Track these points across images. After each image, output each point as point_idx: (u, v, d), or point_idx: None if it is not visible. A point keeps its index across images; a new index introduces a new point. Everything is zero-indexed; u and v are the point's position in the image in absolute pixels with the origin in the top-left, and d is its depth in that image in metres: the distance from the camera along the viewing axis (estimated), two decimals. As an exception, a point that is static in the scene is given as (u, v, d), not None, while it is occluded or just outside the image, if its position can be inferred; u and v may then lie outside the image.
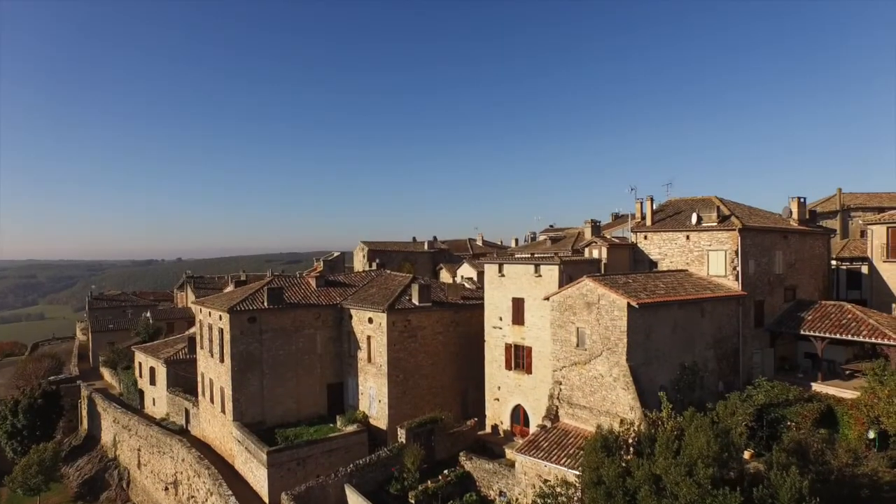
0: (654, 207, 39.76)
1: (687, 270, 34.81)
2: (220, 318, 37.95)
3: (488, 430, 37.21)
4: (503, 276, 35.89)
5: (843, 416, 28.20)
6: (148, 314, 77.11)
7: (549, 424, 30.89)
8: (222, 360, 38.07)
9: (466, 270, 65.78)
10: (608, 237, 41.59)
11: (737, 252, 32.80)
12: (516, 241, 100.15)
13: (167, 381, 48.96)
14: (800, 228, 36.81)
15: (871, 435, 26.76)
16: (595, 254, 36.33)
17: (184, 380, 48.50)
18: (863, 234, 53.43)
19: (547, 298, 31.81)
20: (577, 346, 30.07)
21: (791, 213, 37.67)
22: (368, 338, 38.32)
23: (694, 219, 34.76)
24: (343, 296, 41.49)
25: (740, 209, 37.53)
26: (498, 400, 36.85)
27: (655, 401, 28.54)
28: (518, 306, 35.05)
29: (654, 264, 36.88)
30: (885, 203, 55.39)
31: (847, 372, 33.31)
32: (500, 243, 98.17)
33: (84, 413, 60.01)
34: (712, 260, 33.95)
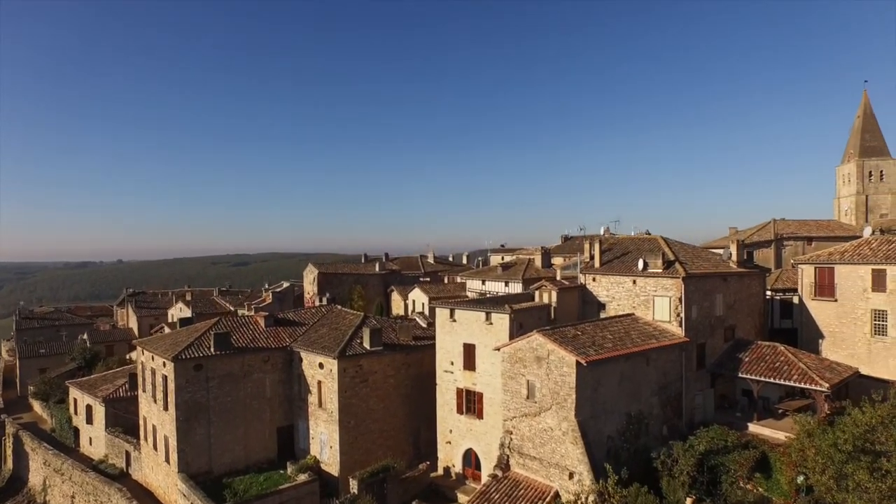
0: (602, 247, 40.75)
1: (634, 315, 35.82)
2: (164, 364, 36.61)
3: (440, 472, 37.31)
4: (455, 321, 36.01)
5: (776, 463, 29.62)
6: (85, 336, 73.58)
7: (500, 474, 31.24)
8: (166, 408, 36.74)
9: (418, 295, 65.86)
10: (558, 278, 42.34)
11: (680, 299, 34.00)
12: (467, 257, 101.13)
13: (106, 421, 46.85)
14: (738, 270, 38.44)
15: (801, 480, 28.22)
16: (545, 298, 36.89)
17: (125, 419, 46.53)
18: (794, 265, 56.34)
19: (498, 349, 32.17)
20: (528, 398, 30.50)
21: (731, 255, 39.30)
22: (319, 383, 37.76)
23: (640, 264, 35.79)
24: (293, 336, 40.71)
25: (684, 251, 38.90)
26: (450, 443, 37.01)
27: (603, 452, 29.39)
28: (469, 352, 35.27)
29: (602, 306, 37.81)
30: (813, 232, 58.65)
31: (780, 411, 35.02)
32: (450, 259, 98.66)
33: (9, 451, 56.28)
34: (658, 305, 35.06)
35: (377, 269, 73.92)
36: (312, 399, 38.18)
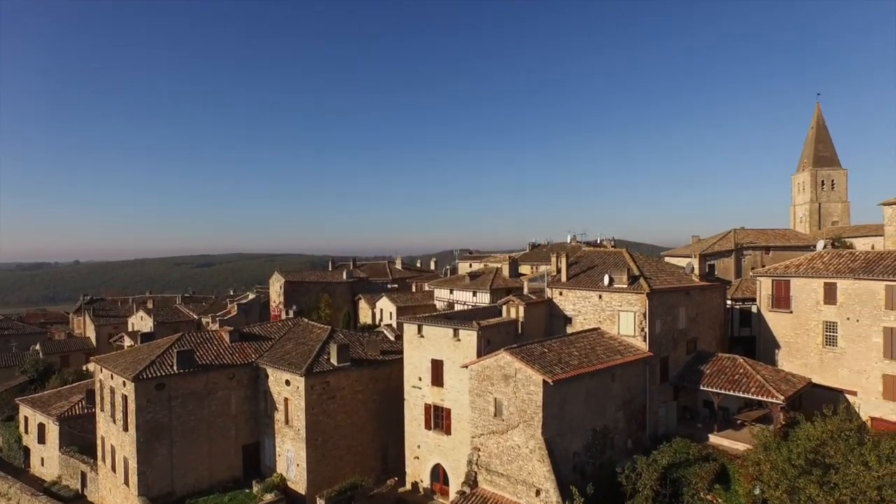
0: (569, 260, 41.27)
1: (599, 329, 36.39)
2: (125, 384, 35.59)
3: (408, 487, 37.26)
4: (422, 337, 36.00)
5: (734, 474, 30.56)
6: (37, 347, 70.85)
7: (468, 490, 31.38)
8: (126, 429, 35.73)
9: (385, 304, 65.61)
10: (525, 291, 42.72)
11: (645, 314, 34.69)
12: (435, 262, 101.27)
13: (60, 441, 45.20)
14: (700, 284, 39.42)
15: (757, 491, 29.15)
16: (513, 313, 37.19)
17: (81, 439, 45.01)
18: (753, 268, 58.02)
19: (466, 367, 32.30)
20: (495, 415, 30.71)
21: (693, 268, 40.26)
22: (286, 399, 37.27)
23: (606, 280, 36.38)
24: (259, 351, 40.09)
25: (648, 265, 39.71)
26: (418, 458, 36.99)
27: (570, 468, 29.82)
28: (437, 368, 35.30)
29: (568, 320, 38.30)
30: (771, 241, 60.51)
31: (739, 422, 36.08)
32: (418, 265, 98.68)
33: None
34: (623, 320, 35.70)
35: (344, 276, 73.33)
36: (279, 416, 37.66)
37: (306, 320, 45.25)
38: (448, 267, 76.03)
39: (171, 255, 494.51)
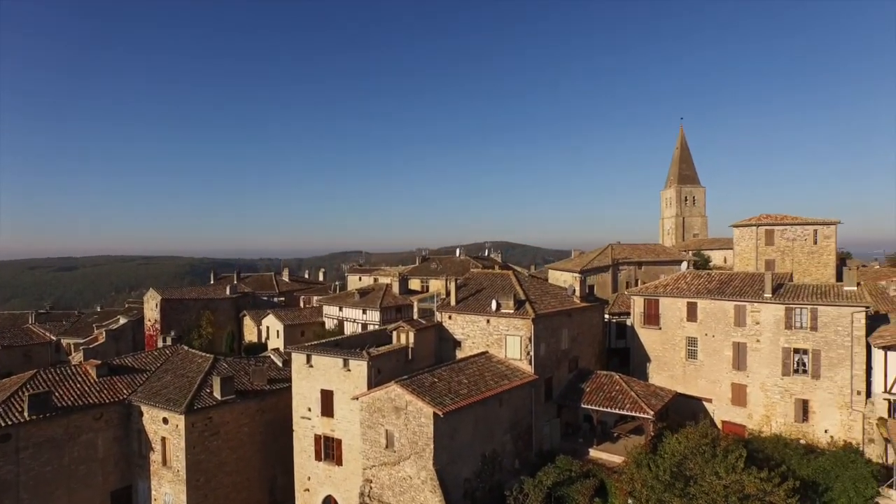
0: (458, 282, 42.18)
1: (488, 353, 37.48)
2: (-38, 434, 31.29)
3: (299, 520, 36.21)
4: (311, 366, 35.12)
5: (612, 488, 32.74)
6: None
7: (360, 524, 31.07)
8: (-35, 486, 31.50)
9: (272, 321, 63.38)
10: (415, 314, 43.00)
11: (530, 338, 36.20)
12: (324, 273, 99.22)
13: None
14: (582, 305, 41.80)
15: (630, 503, 31.47)
16: (403, 339, 37.28)
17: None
18: (628, 285, 62.57)
19: (356, 398, 31.97)
20: (387, 447, 30.65)
21: (575, 290, 42.63)
22: (164, 439, 34.75)
23: (494, 305, 37.53)
24: (132, 386, 37.03)
25: (534, 288, 41.48)
26: (308, 490, 36.04)
27: (460, 494, 30.42)
28: (327, 398, 34.60)
29: (458, 344, 39.07)
30: (643, 256, 65.52)
31: (616, 434, 38.75)
32: (307, 277, 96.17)
33: None
34: (510, 344, 37.01)
35: (228, 292, 69.61)
36: (155, 457, 35.03)
37: (186, 348, 42.37)
38: (337, 284, 74.64)
39: (25, 257, 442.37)
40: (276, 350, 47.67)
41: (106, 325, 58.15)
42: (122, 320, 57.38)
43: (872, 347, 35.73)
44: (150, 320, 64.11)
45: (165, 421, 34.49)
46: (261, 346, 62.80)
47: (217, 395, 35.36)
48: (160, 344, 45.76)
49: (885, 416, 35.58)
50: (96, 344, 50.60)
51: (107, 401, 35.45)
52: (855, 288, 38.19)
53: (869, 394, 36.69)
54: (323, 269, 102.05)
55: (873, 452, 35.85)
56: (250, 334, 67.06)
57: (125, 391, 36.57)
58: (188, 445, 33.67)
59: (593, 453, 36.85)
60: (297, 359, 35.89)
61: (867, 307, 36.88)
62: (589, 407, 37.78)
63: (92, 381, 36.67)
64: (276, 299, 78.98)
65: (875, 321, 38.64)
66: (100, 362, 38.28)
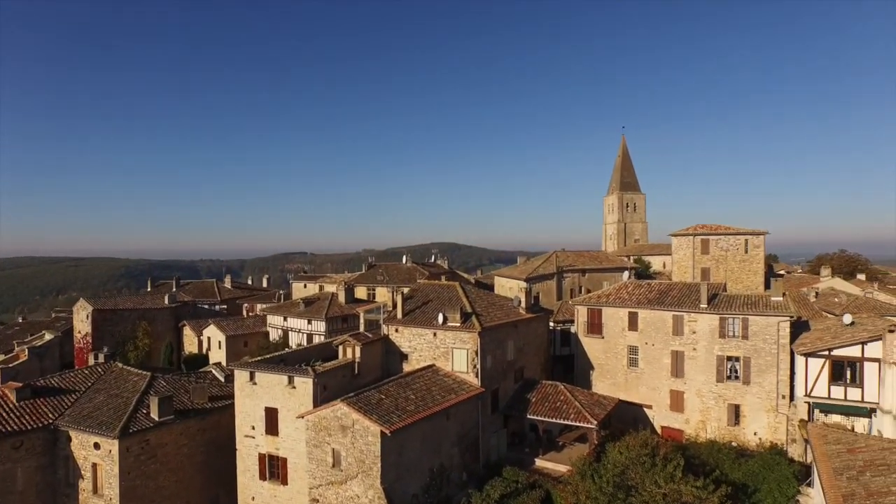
0: (405, 294, 42.04)
1: (434, 366, 37.52)
2: None
3: (242, 542, 35.20)
4: (255, 384, 34.24)
5: (557, 499, 33.38)
6: None
7: (306, 545, 30.50)
8: None
9: (214, 332, 61.43)
10: (361, 326, 42.63)
11: (477, 351, 36.47)
12: (268, 279, 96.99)
13: None
14: (528, 316, 42.43)
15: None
16: (349, 353, 36.86)
17: None
18: (572, 292, 63.97)
19: (302, 417, 31.39)
20: (334, 466, 30.23)
21: (520, 301, 43.21)
22: (95, 465, 32.99)
23: (441, 318, 37.61)
24: (58, 409, 34.95)
25: (480, 299, 41.80)
26: (252, 511, 35.09)
27: (408, 510, 30.35)
28: (272, 416, 33.81)
29: (405, 357, 38.94)
30: (587, 264, 67.09)
31: (561, 443, 39.54)
32: (250, 283, 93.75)
33: None
34: (457, 357, 37.16)
35: (166, 301, 66.89)
36: (85, 485, 33.21)
37: (121, 365, 40.35)
38: (282, 293, 73.01)
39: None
40: (218, 364, 46.21)
41: (29, 342, 54.47)
42: (48, 336, 53.84)
43: (795, 354, 37.85)
44: (79, 332, 60.83)
45: (97, 446, 32.77)
46: (202, 358, 60.73)
47: (155, 415, 33.87)
48: (91, 361, 43.39)
49: (806, 417, 37.80)
50: (17, 363, 47.32)
51: (29, 427, 33.25)
52: (781, 298, 40.37)
53: (792, 397, 38.88)
54: (267, 276, 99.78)
55: (795, 452, 38.05)
56: (190, 345, 64.71)
57: (51, 415, 34.47)
58: (122, 471, 32.10)
59: (539, 463, 37.49)
60: (241, 376, 34.93)
61: (791, 316, 39.06)
62: (535, 418, 38.41)
63: (11, 405, 34.34)
64: (217, 307, 76.60)
65: (798, 328, 41.02)
66: (21, 384, 35.91)
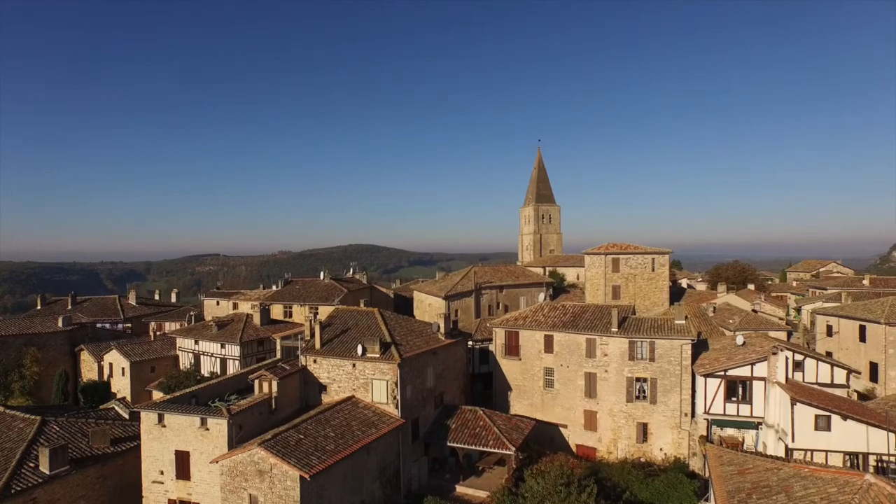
0: (323, 322, 41.27)
1: (354, 398, 37.05)
2: None
3: None
4: (164, 426, 32.41)
5: (477, 528, 33.98)
6: None
7: None
8: None
9: (116, 358, 57.49)
10: (277, 355, 41.41)
11: (396, 382, 36.35)
12: (177, 294, 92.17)
13: None
14: (446, 342, 42.79)
15: (496, 539, 32.83)
16: (266, 388, 35.66)
17: None
18: (490, 308, 65.11)
19: (216, 461, 30.04)
20: (250, 512, 29.14)
21: (439, 327, 43.52)
22: (-25, 525, 29.98)
23: (360, 350, 37.19)
24: (-69, 462, 31.43)
25: (399, 327, 41.71)
26: (160, 560, 33.17)
27: (327, 553, 29.74)
28: (183, 460, 32.12)
29: (323, 388, 38.20)
30: (505, 280, 68.52)
31: (481, 469, 40.19)
32: (156, 297, 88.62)
33: None
34: (376, 388, 36.88)
35: (60, 323, 61.70)
36: (-36, 547, 30.09)
37: (2, 409, 36.79)
38: (193, 314, 69.40)
39: None
40: (122, 400, 43.34)
41: None
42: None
43: (696, 374, 40.58)
44: (-44, 362, 54.96)
45: (-24, 505, 29.77)
46: (102, 386, 56.56)
47: (45, 469, 31.14)
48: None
49: (705, 433, 40.65)
50: None
51: None
52: (684, 321, 43.13)
53: (693, 414, 41.66)
54: (176, 290, 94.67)
55: (696, 465, 40.80)
56: (89, 371, 60.09)
57: (-79, 470, 30.94)
58: (8, 533, 29.36)
59: (460, 489, 37.90)
60: (148, 418, 32.93)
61: (693, 339, 41.82)
62: (455, 445, 38.80)
63: None
64: (121, 326, 71.88)
65: (698, 347, 43.98)
66: None
